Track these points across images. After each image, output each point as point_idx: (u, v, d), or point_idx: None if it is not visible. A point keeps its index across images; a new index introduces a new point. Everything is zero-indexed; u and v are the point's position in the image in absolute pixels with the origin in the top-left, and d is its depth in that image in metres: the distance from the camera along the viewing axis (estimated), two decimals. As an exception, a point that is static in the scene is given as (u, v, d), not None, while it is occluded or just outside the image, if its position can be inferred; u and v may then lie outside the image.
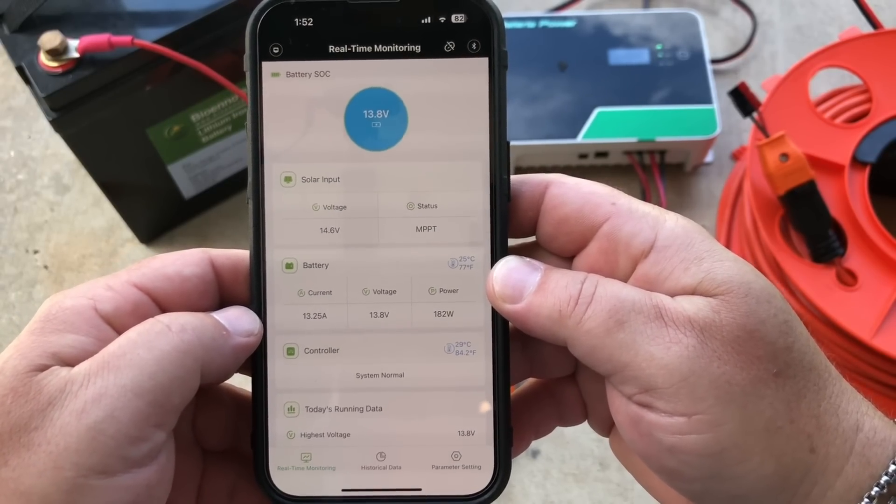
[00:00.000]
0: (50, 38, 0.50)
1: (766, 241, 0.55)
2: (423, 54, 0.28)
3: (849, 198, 0.54)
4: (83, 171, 0.65)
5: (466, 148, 0.28)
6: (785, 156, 0.53)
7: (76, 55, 0.50)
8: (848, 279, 0.54)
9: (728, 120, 0.67)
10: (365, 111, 0.28)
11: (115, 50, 0.51)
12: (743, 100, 0.55)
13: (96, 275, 0.65)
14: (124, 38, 0.50)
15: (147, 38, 0.51)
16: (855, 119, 0.58)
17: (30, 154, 0.70)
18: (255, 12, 0.28)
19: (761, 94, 0.58)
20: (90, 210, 0.68)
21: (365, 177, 0.28)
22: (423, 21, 0.28)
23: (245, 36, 0.29)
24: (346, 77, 0.28)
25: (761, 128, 0.55)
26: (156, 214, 0.65)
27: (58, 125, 0.52)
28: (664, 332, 0.25)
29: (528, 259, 0.28)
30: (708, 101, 0.64)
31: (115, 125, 0.55)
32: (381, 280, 0.29)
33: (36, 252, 0.66)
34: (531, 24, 0.68)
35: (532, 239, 0.30)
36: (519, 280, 0.27)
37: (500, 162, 0.28)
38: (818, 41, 0.73)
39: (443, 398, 0.29)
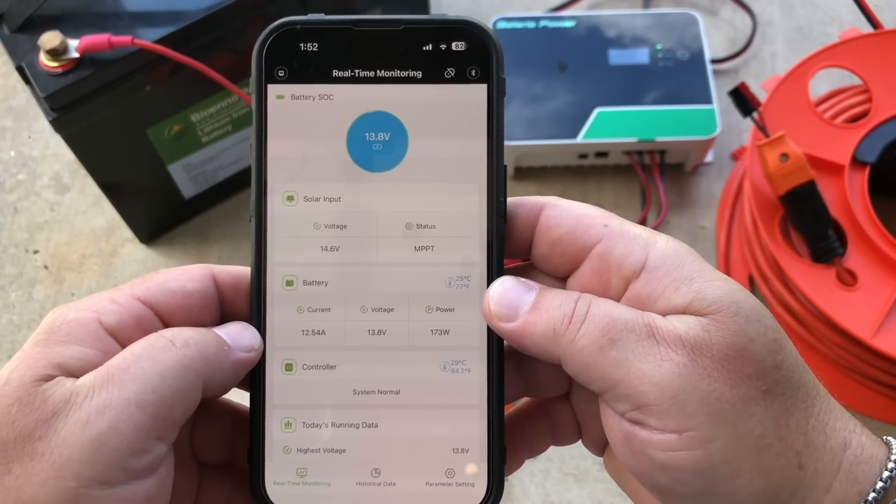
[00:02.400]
0: (50, 38, 0.50)
1: (766, 241, 0.55)
2: (424, 80, 0.29)
3: (849, 198, 0.54)
4: (83, 171, 0.65)
5: (464, 171, 0.29)
6: (785, 156, 0.53)
7: (76, 55, 0.50)
8: (848, 279, 0.54)
9: (728, 120, 0.67)
10: (367, 134, 0.29)
11: (115, 50, 0.51)
12: (743, 100, 0.55)
13: (96, 275, 0.65)
14: (124, 38, 0.50)
15: (147, 38, 0.51)
16: (855, 119, 0.58)
17: (30, 154, 0.70)
18: (262, 36, 0.29)
19: (761, 94, 0.58)
20: (90, 210, 0.68)
21: (365, 197, 0.29)
22: (424, 48, 0.29)
23: (252, 59, 0.29)
24: (348, 100, 0.29)
25: (761, 128, 0.55)
26: (156, 214, 0.65)
27: (58, 125, 0.52)
28: (656, 351, 0.25)
29: (523, 279, 0.28)
30: (708, 101, 0.64)
31: (115, 125, 0.55)
32: (379, 298, 0.29)
33: (36, 252, 0.66)
34: (531, 24, 0.68)
35: (528, 260, 0.30)
36: (514, 299, 0.28)
37: (497, 185, 0.29)
38: (818, 41, 0.73)
39: (438, 415, 0.29)
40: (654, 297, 0.27)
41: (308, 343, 0.29)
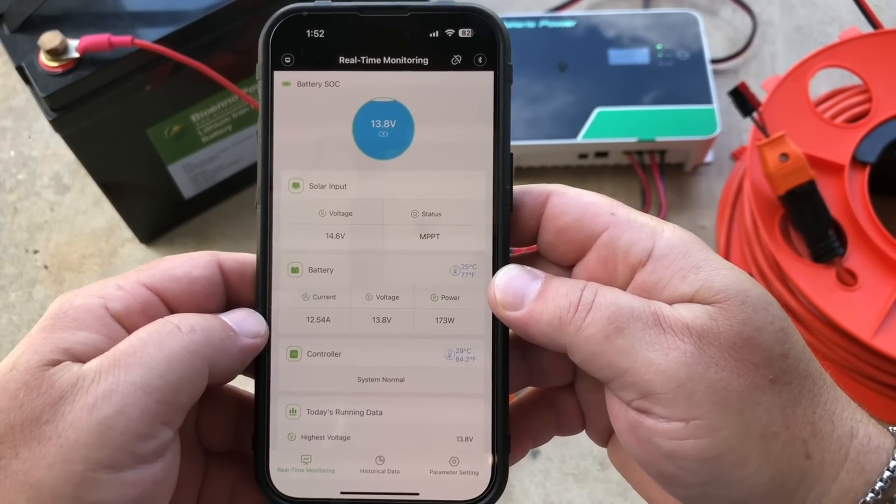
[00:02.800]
0: (50, 38, 0.50)
1: (766, 241, 0.55)
2: (431, 67, 0.29)
3: (849, 198, 0.54)
4: (83, 171, 0.65)
5: (471, 158, 0.29)
6: (785, 156, 0.53)
7: (76, 55, 0.50)
8: (848, 279, 0.54)
9: (728, 120, 0.67)
10: (373, 121, 0.29)
11: (115, 50, 0.51)
12: (743, 100, 0.55)
13: (96, 275, 0.65)
14: (124, 38, 0.50)
15: (147, 38, 0.51)
16: (855, 119, 0.58)
17: (30, 154, 0.70)
18: (268, 22, 0.29)
19: (761, 94, 0.58)
20: (90, 210, 0.68)
21: (371, 184, 0.29)
22: (431, 35, 0.29)
23: (258, 45, 0.29)
24: (355, 87, 0.29)
25: (761, 128, 0.55)
26: (156, 214, 0.65)
27: (58, 125, 0.52)
28: (662, 339, 0.25)
29: (528, 268, 0.28)
30: (708, 101, 0.64)
31: (115, 125, 0.55)
32: (384, 286, 0.29)
33: (36, 252, 0.66)
34: (531, 24, 0.68)
35: (533, 248, 0.30)
36: (520, 287, 0.28)
37: (503, 172, 0.29)
38: (818, 41, 0.73)
39: (442, 404, 0.29)
40: (661, 285, 0.27)
41: (313, 330, 0.29)
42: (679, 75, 0.65)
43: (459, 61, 0.29)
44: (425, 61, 0.29)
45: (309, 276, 0.29)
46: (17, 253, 0.66)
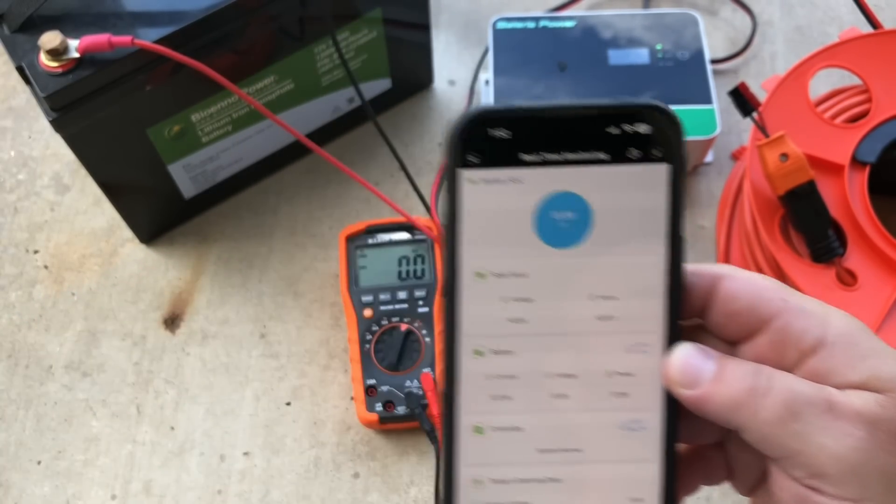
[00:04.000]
0: (50, 38, 0.50)
1: (766, 241, 0.55)
2: (609, 161, 0.29)
3: (849, 198, 0.54)
4: (83, 171, 0.65)
5: (645, 245, 0.30)
6: (785, 156, 0.53)
7: (76, 55, 0.50)
8: (848, 279, 0.54)
9: (728, 120, 0.67)
10: (553, 213, 0.30)
11: (115, 50, 0.51)
12: (743, 100, 0.55)
13: (96, 275, 0.65)
14: (124, 38, 0.50)
15: (147, 38, 0.51)
16: (855, 119, 0.58)
17: (30, 154, 0.70)
18: (455, 123, 0.30)
19: (761, 94, 0.58)
20: (90, 210, 0.68)
21: (551, 272, 0.30)
22: (608, 130, 0.29)
23: (445, 145, 0.30)
24: (536, 182, 0.30)
25: (761, 128, 0.55)
26: (156, 214, 0.65)
27: (58, 125, 0.52)
28: (835, 425, 0.27)
29: (701, 346, 0.30)
30: (708, 101, 0.64)
31: (115, 125, 0.55)
32: (562, 365, 0.30)
33: (36, 252, 0.66)
34: (531, 24, 0.68)
35: (696, 320, 0.31)
36: (695, 367, 0.29)
37: (676, 257, 0.30)
38: (818, 41, 0.73)
39: (616, 469, 0.31)
40: (832, 372, 0.28)
41: (496, 408, 0.30)
42: (679, 75, 0.65)
43: (637, 155, 0.29)
44: (605, 155, 0.29)
45: (492, 358, 0.30)
46: (17, 253, 0.66)
